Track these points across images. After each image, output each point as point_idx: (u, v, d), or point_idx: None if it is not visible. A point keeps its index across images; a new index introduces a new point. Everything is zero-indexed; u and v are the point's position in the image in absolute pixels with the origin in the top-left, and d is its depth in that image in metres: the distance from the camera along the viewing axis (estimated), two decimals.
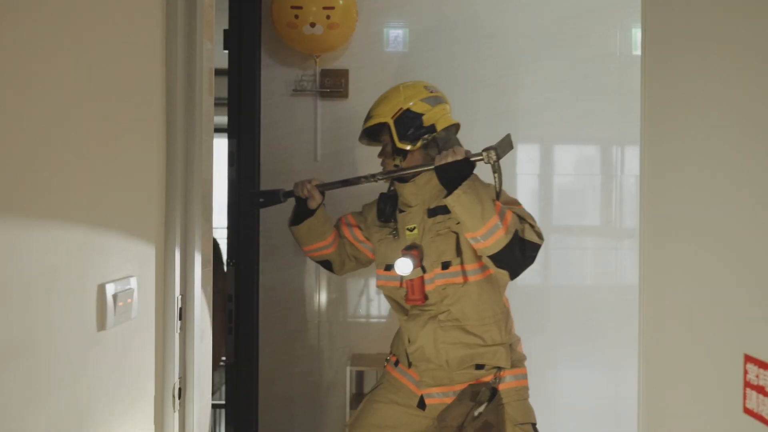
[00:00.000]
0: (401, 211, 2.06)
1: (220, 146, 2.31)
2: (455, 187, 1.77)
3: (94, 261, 1.03)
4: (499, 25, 2.75)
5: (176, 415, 1.32)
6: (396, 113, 2.02)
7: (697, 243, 0.80)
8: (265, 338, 2.74)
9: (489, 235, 1.75)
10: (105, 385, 1.07)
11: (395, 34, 2.80)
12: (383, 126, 2.06)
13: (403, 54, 2.80)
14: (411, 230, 2.01)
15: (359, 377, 2.83)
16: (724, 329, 0.72)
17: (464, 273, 1.92)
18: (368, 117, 2.11)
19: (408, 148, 2.01)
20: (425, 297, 1.96)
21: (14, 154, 0.82)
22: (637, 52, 2.77)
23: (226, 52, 2.77)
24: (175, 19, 1.30)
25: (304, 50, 2.71)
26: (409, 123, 2.01)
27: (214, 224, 1.54)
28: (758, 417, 0.65)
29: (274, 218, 2.80)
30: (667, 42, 0.90)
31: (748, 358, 0.66)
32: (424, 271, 1.95)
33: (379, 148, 2.15)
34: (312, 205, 2.11)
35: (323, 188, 2.12)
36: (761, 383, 0.64)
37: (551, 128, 2.78)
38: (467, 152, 1.84)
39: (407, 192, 2.02)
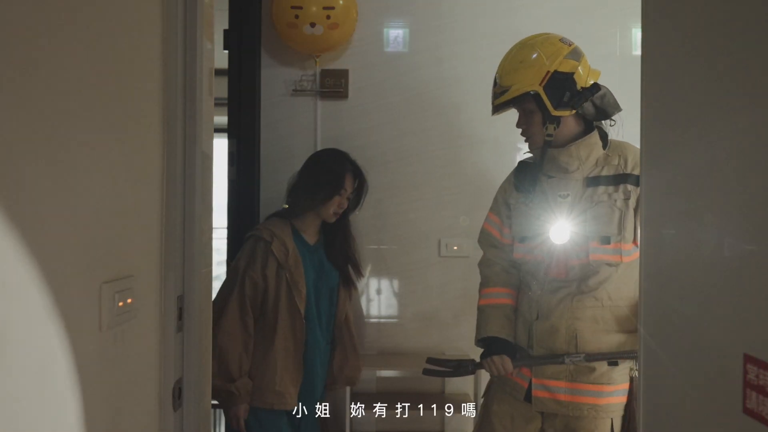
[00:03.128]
0: (550, 177, 1.87)
1: (220, 146, 2.31)
2: None
3: (94, 261, 1.03)
4: (498, 25, 2.75)
5: (176, 415, 1.32)
6: (544, 78, 1.76)
7: (697, 245, 0.80)
8: None
9: None
10: (105, 385, 1.07)
11: (395, 34, 2.80)
12: (524, 94, 1.79)
13: (403, 54, 2.80)
14: (564, 197, 1.83)
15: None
16: (724, 329, 0.72)
17: (621, 252, 1.77)
18: (501, 87, 1.84)
19: (566, 114, 1.79)
20: (567, 271, 1.81)
21: (14, 154, 0.82)
22: (637, 52, 2.77)
23: (226, 52, 2.78)
24: (175, 19, 1.30)
25: (304, 50, 2.71)
26: (563, 87, 1.76)
27: (214, 224, 1.54)
28: (758, 417, 0.65)
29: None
30: (667, 42, 0.89)
31: (748, 358, 0.66)
32: (576, 243, 1.80)
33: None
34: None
35: (518, 365, 1.89)
36: (761, 383, 0.64)
37: None
38: None
39: (564, 157, 1.83)
